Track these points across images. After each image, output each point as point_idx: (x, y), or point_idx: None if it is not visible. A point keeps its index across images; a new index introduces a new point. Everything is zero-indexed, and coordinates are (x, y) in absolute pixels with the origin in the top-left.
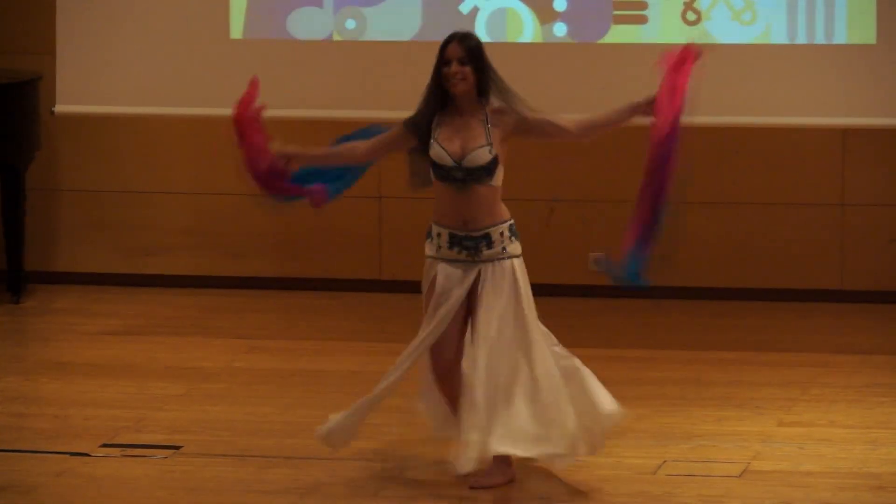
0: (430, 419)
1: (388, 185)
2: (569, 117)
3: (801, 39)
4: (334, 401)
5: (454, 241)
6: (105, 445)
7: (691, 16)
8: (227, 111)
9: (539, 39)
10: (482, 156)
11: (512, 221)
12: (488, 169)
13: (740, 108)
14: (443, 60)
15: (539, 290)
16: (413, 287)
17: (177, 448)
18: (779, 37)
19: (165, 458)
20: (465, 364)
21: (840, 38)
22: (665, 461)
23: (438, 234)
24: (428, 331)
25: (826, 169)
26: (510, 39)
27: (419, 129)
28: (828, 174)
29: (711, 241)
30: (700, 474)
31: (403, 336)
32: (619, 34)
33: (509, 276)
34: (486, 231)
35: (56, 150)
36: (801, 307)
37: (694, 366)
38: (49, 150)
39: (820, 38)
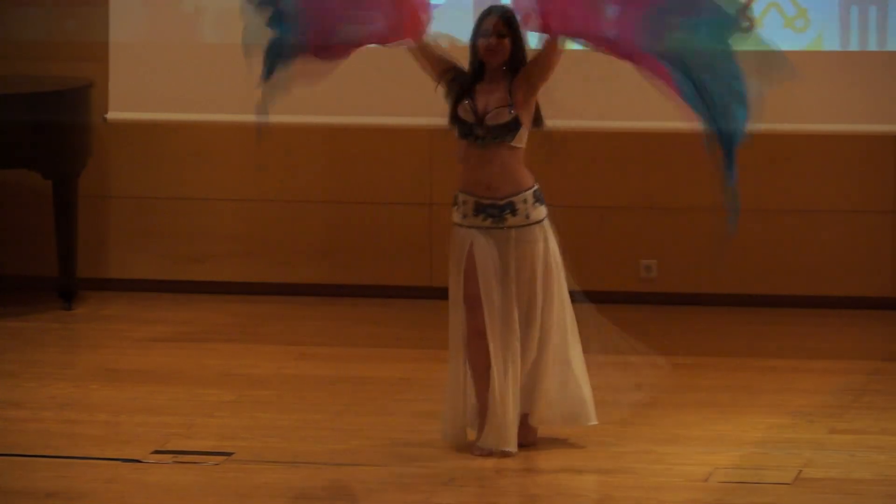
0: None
1: (439, 192)
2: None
3: (854, 46)
4: (384, 407)
5: (479, 208)
6: (156, 452)
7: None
8: (277, 119)
9: None
10: (502, 115)
11: (536, 187)
12: (509, 128)
13: (792, 115)
14: (480, 32)
15: (589, 298)
16: None
17: (228, 455)
18: (831, 44)
19: (216, 464)
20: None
21: (893, 45)
22: (716, 468)
23: (464, 202)
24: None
25: (878, 176)
26: None
27: (457, 83)
28: (880, 181)
29: (762, 248)
30: (751, 482)
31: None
32: None
33: (534, 245)
34: (510, 199)
35: (108, 156)
36: (853, 314)
37: (744, 373)
38: (101, 157)
39: (872, 45)
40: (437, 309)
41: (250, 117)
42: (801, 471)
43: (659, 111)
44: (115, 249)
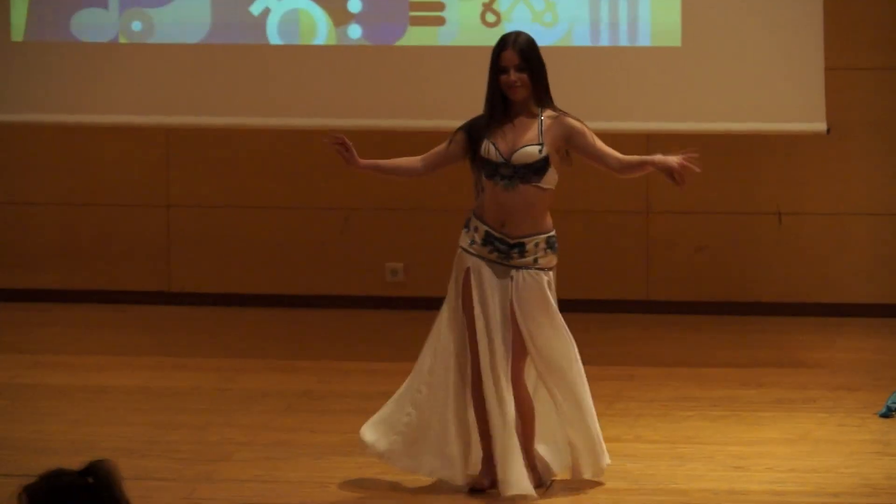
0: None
1: (177, 194)
2: (613, 151)
3: (604, 42)
4: (121, 417)
5: (488, 239)
6: None
7: (490, 17)
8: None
9: (333, 42)
10: (531, 153)
11: (552, 233)
12: (537, 168)
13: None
14: (497, 68)
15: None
16: (201, 300)
17: None
18: (581, 39)
19: None
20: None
21: (644, 40)
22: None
23: (476, 228)
24: (478, 346)
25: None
26: (303, 42)
27: (474, 129)
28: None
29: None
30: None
31: (193, 349)
32: (415, 36)
33: (537, 290)
34: (521, 240)
35: None
36: (605, 318)
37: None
38: None
39: (624, 41)
40: (175, 315)
41: None
42: (552, 479)
43: None
44: None
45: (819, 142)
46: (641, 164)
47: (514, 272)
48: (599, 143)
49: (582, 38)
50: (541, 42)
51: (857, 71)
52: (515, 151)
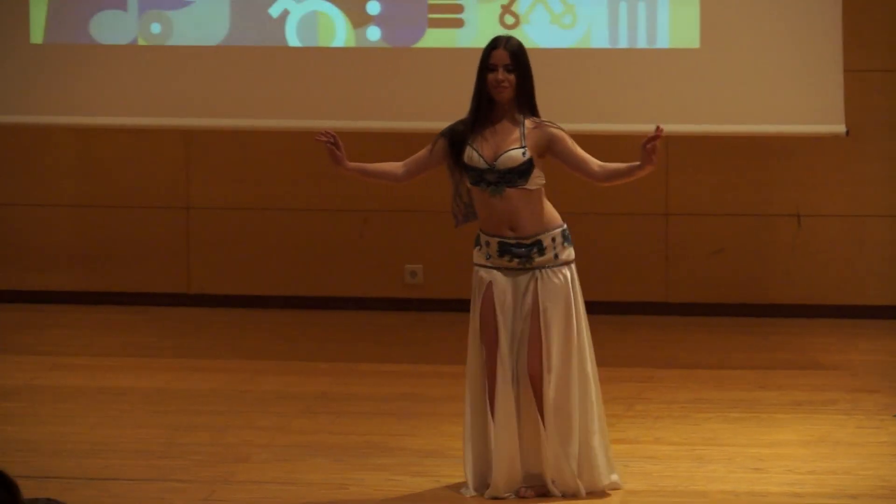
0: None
1: (197, 196)
2: (594, 159)
3: (623, 44)
4: (140, 419)
5: (504, 248)
6: None
7: (509, 19)
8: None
9: (352, 44)
10: (515, 157)
11: (565, 227)
12: (521, 171)
13: (560, 115)
14: (487, 66)
15: None
16: (220, 301)
17: None
18: (600, 41)
19: None
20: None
21: (663, 42)
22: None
23: (487, 243)
24: (498, 356)
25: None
26: (322, 44)
27: (456, 135)
28: (650, 183)
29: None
30: (521, 495)
31: (211, 351)
32: (434, 38)
33: (564, 289)
34: (537, 238)
35: None
36: (624, 320)
37: None
38: None
39: (642, 43)
40: (194, 317)
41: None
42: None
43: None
44: None
45: (838, 143)
46: (630, 171)
47: (537, 272)
48: (580, 151)
49: (601, 40)
50: (559, 44)
51: (876, 73)
52: (499, 156)
